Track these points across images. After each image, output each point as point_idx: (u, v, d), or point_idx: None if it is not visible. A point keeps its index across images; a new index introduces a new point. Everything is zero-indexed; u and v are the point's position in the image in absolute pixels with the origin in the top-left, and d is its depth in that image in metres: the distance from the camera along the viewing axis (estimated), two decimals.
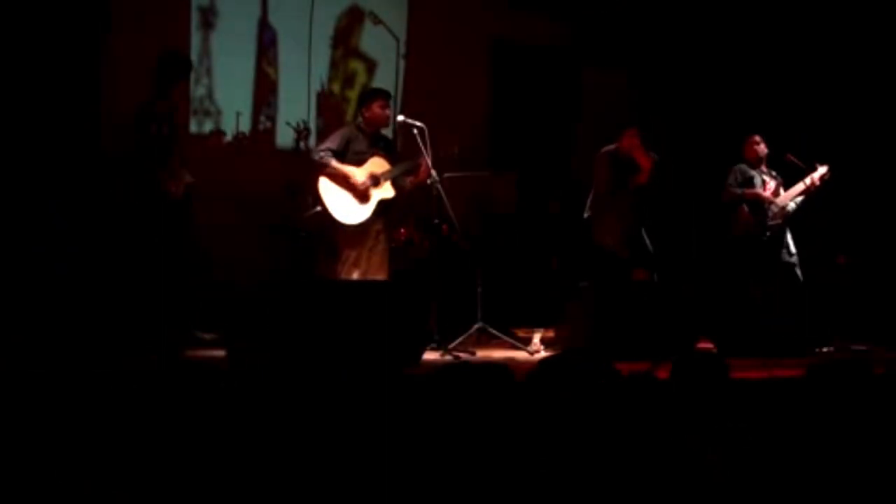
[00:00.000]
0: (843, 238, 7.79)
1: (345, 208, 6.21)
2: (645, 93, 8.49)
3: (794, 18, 8.19)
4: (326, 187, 6.21)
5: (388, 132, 6.90)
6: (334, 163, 6.21)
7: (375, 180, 6.27)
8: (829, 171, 6.95)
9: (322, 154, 6.24)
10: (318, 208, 6.30)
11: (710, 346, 6.28)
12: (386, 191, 6.32)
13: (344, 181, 6.20)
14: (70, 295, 6.14)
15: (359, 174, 6.24)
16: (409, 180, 6.40)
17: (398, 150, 6.74)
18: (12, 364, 4.83)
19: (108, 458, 2.65)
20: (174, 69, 6.14)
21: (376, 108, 6.38)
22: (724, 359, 3.22)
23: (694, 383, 2.90)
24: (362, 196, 6.23)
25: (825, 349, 6.47)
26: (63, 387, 3.58)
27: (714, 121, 8.21)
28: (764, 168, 7.10)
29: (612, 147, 6.72)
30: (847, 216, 7.82)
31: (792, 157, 6.98)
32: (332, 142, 6.34)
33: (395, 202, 6.44)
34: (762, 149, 7.05)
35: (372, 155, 6.31)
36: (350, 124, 6.61)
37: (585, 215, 6.74)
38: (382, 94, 6.51)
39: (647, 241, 6.69)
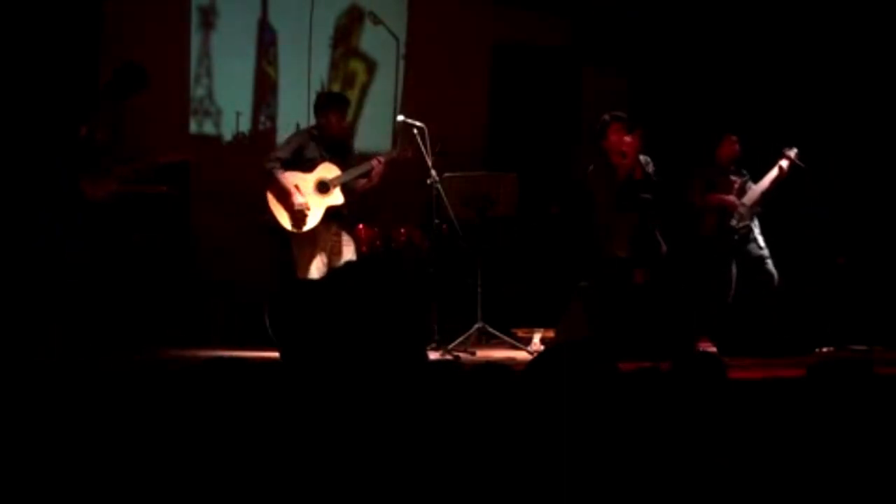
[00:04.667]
0: (843, 238, 7.78)
1: (290, 218, 6.26)
2: (645, 93, 8.49)
3: (792, 19, 8.19)
4: (272, 201, 6.29)
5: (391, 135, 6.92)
6: (280, 176, 6.24)
7: (324, 187, 6.30)
8: (797, 155, 6.90)
9: (271, 166, 6.27)
10: (267, 217, 6.32)
11: (709, 346, 6.29)
12: (335, 197, 6.34)
13: (285, 197, 6.24)
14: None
15: (303, 186, 6.26)
16: (360, 183, 6.44)
17: (354, 154, 6.76)
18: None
19: (91, 458, 2.65)
20: (129, 80, 6.11)
21: (332, 119, 6.42)
22: (723, 359, 3.22)
23: (694, 383, 2.90)
24: (300, 215, 6.23)
25: (825, 349, 6.47)
26: (42, 386, 3.57)
27: (714, 120, 8.21)
28: (732, 167, 7.06)
29: (599, 160, 6.64)
30: (846, 216, 7.82)
31: (794, 158, 6.96)
32: (283, 150, 6.40)
33: (351, 203, 6.46)
34: (737, 149, 6.99)
35: (322, 161, 6.34)
36: (303, 131, 6.60)
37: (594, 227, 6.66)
38: (339, 106, 6.51)
39: (661, 242, 6.61)
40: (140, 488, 2.50)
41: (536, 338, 6.66)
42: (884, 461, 2.67)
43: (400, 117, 6.55)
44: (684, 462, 2.59)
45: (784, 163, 6.91)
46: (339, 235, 6.41)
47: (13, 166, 6.47)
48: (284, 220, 6.27)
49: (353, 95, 8.03)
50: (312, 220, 6.27)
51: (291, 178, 6.27)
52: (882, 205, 7.88)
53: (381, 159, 6.39)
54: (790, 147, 6.94)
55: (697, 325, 6.23)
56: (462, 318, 6.34)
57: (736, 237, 6.89)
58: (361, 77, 8.25)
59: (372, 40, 8.21)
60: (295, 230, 6.26)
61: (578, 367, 2.52)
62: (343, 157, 6.50)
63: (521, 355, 6.12)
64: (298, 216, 6.25)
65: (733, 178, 6.98)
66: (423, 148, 6.24)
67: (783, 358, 5.91)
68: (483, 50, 8.61)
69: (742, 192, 6.94)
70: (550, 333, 6.60)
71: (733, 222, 6.88)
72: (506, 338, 6.39)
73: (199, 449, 2.60)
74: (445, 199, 6.22)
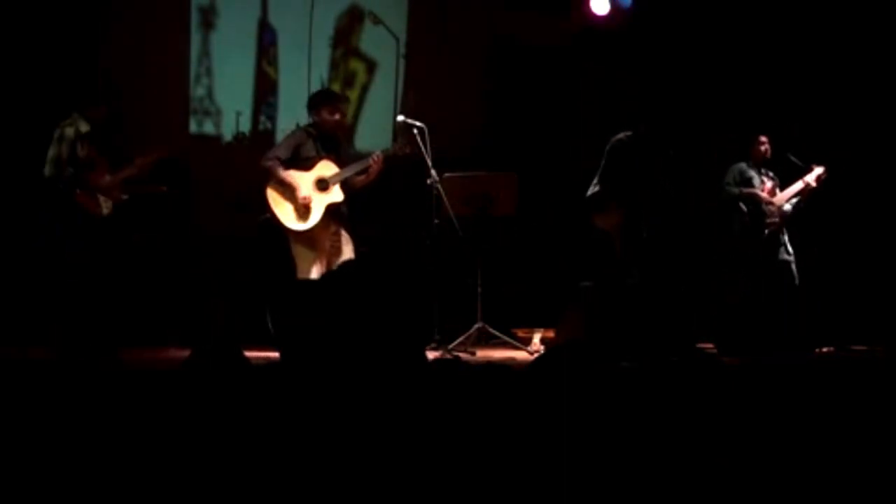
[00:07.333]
0: (842, 237, 7.79)
1: (292, 216, 6.25)
2: (645, 93, 8.48)
3: (794, 17, 8.18)
4: (273, 197, 6.25)
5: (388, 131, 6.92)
6: (280, 172, 6.24)
7: (323, 185, 6.29)
8: (825, 172, 6.92)
9: (270, 163, 6.26)
10: (268, 215, 6.31)
11: (709, 346, 6.30)
12: (334, 195, 6.33)
13: (288, 192, 6.24)
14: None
15: (304, 184, 6.26)
16: (358, 180, 6.43)
17: (351, 151, 6.73)
18: None
19: (91, 457, 2.66)
20: (92, 91, 6.03)
21: (324, 114, 6.40)
22: (723, 359, 3.23)
23: (693, 383, 2.91)
24: (303, 209, 6.24)
25: (825, 349, 6.48)
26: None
27: (714, 119, 8.21)
28: (762, 168, 7.08)
29: (624, 135, 6.64)
30: (847, 216, 7.82)
31: (791, 157, 6.97)
32: (281, 149, 6.37)
33: (346, 201, 6.42)
34: (767, 149, 7.00)
35: (320, 159, 6.34)
36: (299, 129, 6.56)
37: (589, 192, 6.64)
38: (330, 99, 6.51)
39: (644, 227, 6.62)
40: (140, 487, 2.50)
41: (536, 338, 6.66)
42: (883, 460, 2.67)
43: (400, 117, 6.54)
44: (683, 461, 2.59)
45: (811, 177, 6.89)
46: (339, 234, 6.40)
47: (13, 166, 6.47)
48: (287, 218, 6.25)
49: (353, 95, 8.04)
50: (315, 216, 6.26)
51: (291, 175, 6.27)
52: (883, 204, 7.89)
53: (379, 155, 6.38)
54: (818, 166, 6.92)
55: (697, 325, 6.24)
56: (462, 318, 6.34)
57: (766, 231, 6.85)
58: (361, 77, 8.25)
59: (372, 40, 8.20)
60: (299, 226, 6.25)
61: (578, 367, 2.52)
62: (340, 154, 6.50)
63: (521, 355, 6.12)
64: (302, 211, 6.24)
65: (764, 179, 6.97)
66: (423, 148, 6.24)
67: (783, 358, 5.92)
68: (483, 49, 8.61)
69: (772, 194, 6.94)
70: (550, 333, 6.60)
71: (767, 219, 6.85)
72: (506, 338, 6.39)
73: (200, 448, 2.61)
74: (445, 199, 6.22)
